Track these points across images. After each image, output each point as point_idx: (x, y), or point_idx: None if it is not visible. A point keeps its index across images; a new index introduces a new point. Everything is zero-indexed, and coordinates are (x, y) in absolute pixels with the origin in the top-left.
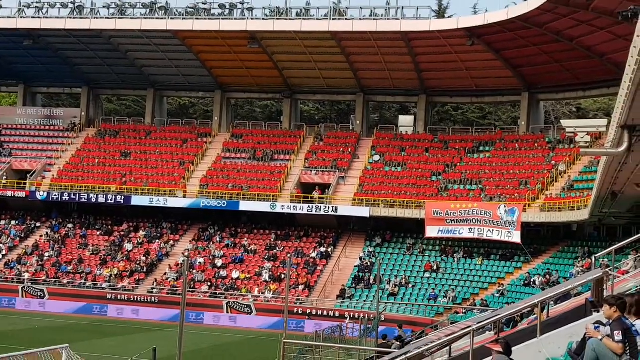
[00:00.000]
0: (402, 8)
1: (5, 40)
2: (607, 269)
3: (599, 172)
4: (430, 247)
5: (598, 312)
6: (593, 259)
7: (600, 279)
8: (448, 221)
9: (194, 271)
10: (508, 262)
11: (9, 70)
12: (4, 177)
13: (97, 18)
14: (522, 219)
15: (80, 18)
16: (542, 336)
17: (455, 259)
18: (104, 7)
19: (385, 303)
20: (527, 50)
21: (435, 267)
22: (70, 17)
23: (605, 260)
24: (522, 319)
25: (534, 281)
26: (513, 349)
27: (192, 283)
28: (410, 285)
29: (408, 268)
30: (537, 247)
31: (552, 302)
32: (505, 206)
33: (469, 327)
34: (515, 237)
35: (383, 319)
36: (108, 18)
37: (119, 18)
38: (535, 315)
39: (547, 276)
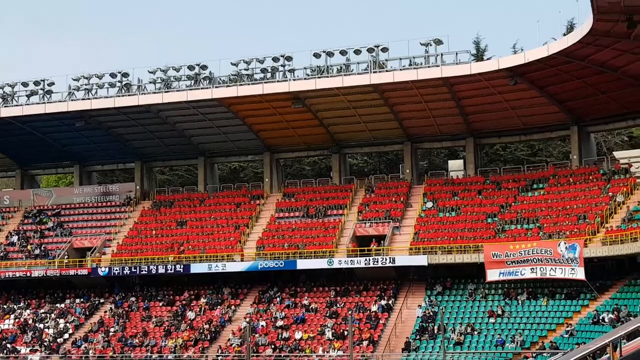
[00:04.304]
0: (442, 54)
1: (58, 123)
2: None
3: None
4: (493, 290)
5: None
6: None
7: None
8: (508, 263)
9: (257, 335)
10: (574, 300)
11: (64, 151)
12: (66, 257)
13: (144, 94)
14: (584, 255)
15: (129, 95)
16: None
17: (520, 302)
18: (150, 82)
19: (452, 353)
20: (571, 84)
21: (499, 312)
22: (119, 96)
23: None
24: None
25: (603, 318)
26: None
27: (255, 347)
28: (475, 332)
29: (472, 314)
30: (603, 283)
31: (624, 340)
32: (565, 243)
33: None
34: (579, 274)
35: None
36: (155, 93)
37: (165, 92)
38: (608, 355)
39: (616, 312)
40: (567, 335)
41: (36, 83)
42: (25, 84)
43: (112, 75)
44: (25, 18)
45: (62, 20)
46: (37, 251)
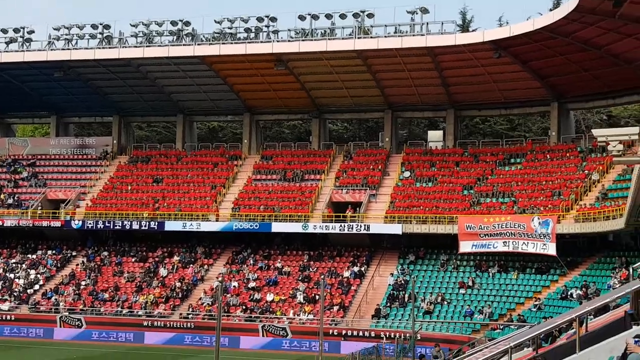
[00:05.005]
0: (427, 24)
1: (36, 72)
2: None
3: (633, 180)
4: (465, 262)
5: (638, 324)
6: (631, 270)
7: (639, 291)
8: (482, 235)
9: (229, 295)
10: (544, 275)
11: (41, 101)
12: (39, 208)
13: (125, 47)
14: (557, 231)
15: (109, 48)
16: (582, 352)
17: (490, 274)
18: (131, 36)
19: (421, 321)
20: (554, 60)
21: (470, 283)
22: (99, 48)
23: None
24: (561, 334)
25: (571, 294)
26: None
27: (227, 307)
28: (445, 303)
29: (443, 285)
30: (573, 259)
31: (590, 316)
32: (538, 218)
33: (507, 344)
34: (551, 249)
35: (419, 337)
36: (136, 47)
37: (146, 46)
38: (574, 330)
39: (584, 289)
40: (535, 309)
41: (16, 30)
42: (4, 31)
43: (93, 26)
44: None
45: None
46: (10, 200)
